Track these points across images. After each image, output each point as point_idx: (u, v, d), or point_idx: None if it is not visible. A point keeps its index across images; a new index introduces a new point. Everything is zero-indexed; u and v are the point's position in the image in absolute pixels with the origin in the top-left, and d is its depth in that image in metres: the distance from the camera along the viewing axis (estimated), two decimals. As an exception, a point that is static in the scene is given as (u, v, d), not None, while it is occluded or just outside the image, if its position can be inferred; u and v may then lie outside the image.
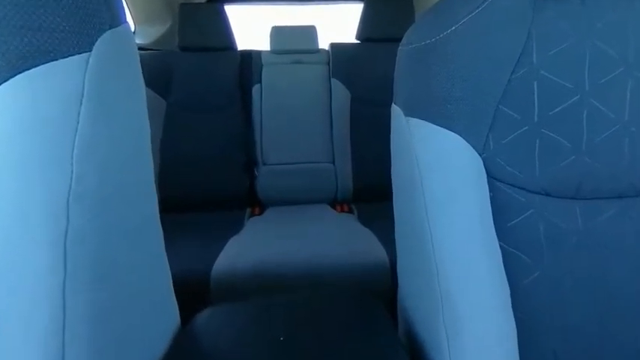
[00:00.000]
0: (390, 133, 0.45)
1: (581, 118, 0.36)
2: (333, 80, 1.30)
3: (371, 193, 1.23)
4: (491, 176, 0.37)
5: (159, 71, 1.26)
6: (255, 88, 1.31)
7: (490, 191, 0.37)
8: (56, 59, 0.27)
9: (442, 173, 0.37)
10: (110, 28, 0.31)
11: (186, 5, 1.30)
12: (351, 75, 1.29)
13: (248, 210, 1.25)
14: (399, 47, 0.43)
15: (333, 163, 1.30)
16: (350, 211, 1.25)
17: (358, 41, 1.36)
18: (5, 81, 0.26)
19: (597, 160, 0.37)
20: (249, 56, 1.35)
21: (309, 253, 0.88)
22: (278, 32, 1.35)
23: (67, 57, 0.27)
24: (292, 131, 1.31)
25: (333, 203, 1.30)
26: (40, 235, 0.26)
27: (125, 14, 0.34)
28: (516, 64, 0.36)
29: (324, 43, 1.40)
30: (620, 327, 0.37)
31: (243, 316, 0.46)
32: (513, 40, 0.36)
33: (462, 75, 0.36)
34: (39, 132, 0.26)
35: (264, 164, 1.30)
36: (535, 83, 0.36)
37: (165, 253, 0.41)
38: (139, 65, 0.36)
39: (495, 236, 0.37)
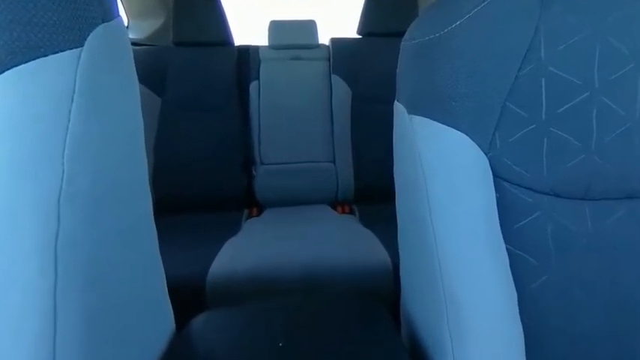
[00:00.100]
0: (392, 132, 0.45)
1: (591, 115, 0.36)
2: (333, 77, 1.30)
3: (372, 194, 1.23)
4: (497, 176, 0.37)
5: (153, 67, 1.26)
6: (253, 85, 1.32)
7: (496, 192, 0.37)
8: (46, 55, 0.27)
9: (446, 173, 0.37)
10: (102, 23, 0.31)
11: (181, -2, 1.30)
12: (353, 71, 1.29)
13: (245, 211, 1.25)
14: (402, 42, 0.43)
15: (334, 162, 1.30)
16: (351, 212, 1.25)
17: (360, 36, 1.36)
18: (-6, 77, 0.26)
19: (607, 160, 0.37)
20: (247, 52, 1.35)
21: (308, 256, 0.88)
22: (276, 27, 1.35)
23: (57, 52, 0.27)
24: (291, 129, 1.31)
25: (334, 204, 1.30)
26: (29, 237, 0.26)
27: (118, 8, 0.34)
28: (523, 59, 0.36)
29: (324, 38, 1.40)
30: (631, 333, 0.37)
31: (241, 320, 0.46)
32: (520, 34, 0.36)
33: (467, 71, 0.36)
34: (28, 130, 0.26)
35: (262, 164, 1.30)
36: (543, 80, 0.36)
37: (159, 256, 0.41)
38: (133, 61, 0.36)
39: (502, 238, 0.37)
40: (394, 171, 0.46)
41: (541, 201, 0.37)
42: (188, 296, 0.74)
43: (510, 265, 0.37)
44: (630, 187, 0.37)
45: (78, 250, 0.28)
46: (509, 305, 0.36)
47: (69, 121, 0.27)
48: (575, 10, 0.36)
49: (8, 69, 0.26)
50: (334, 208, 1.27)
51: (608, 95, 0.36)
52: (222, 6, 1.32)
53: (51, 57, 0.27)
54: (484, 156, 0.37)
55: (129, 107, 0.36)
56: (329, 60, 1.35)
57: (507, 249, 0.37)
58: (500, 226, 0.37)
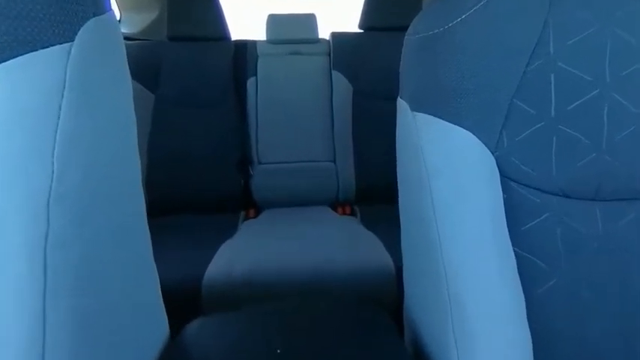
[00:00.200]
0: (395, 130, 0.45)
1: (602, 113, 0.36)
2: (334, 72, 1.30)
3: (375, 194, 1.23)
4: (504, 176, 0.37)
5: (146, 63, 1.26)
6: (250, 81, 1.32)
7: (503, 192, 0.37)
8: (36, 49, 0.27)
9: (451, 173, 0.37)
10: (94, 17, 0.31)
11: (176, -9, 1.30)
12: (354, 67, 1.29)
13: (242, 212, 1.25)
14: (405, 37, 0.43)
15: (334, 161, 1.30)
16: (352, 214, 1.25)
17: (361, 30, 1.36)
18: (-19, 73, 0.26)
19: (618, 159, 0.37)
20: (244, 47, 1.35)
21: (308, 259, 0.88)
22: (275, 21, 1.35)
23: (47, 47, 0.27)
24: (290, 127, 1.31)
25: (334, 205, 1.30)
26: (18, 238, 0.26)
27: (110, 1, 0.34)
28: (531, 54, 0.36)
29: (324, 33, 1.40)
30: (643, 338, 0.37)
31: (237, 326, 0.46)
32: (528, 28, 0.36)
33: (473, 67, 0.36)
34: (17, 127, 0.26)
35: (260, 163, 1.30)
36: (552, 75, 0.36)
37: (153, 259, 0.41)
38: (125, 56, 0.36)
39: (509, 240, 0.37)
40: (397, 170, 0.46)
41: (550, 202, 0.37)
42: (183, 301, 0.73)
43: (518, 269, 0.37)
44: None
45: (68, 252, 0.28)
46: (516, 309, 0.36)
47: (59, 118, 0.27)
48: (585, 3, 0.36)
49: (-4, 64, 0.26)
50: (335, 209, 1.27)
51: (620, 92, 0.36)
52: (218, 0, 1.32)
53: (40, 52, 0.27)
54: (490, 155, 0.37)
55: (121, 104, 0.36)
56: (329, 55, 1.35)
57: (515, 251, 0.37)
58: (508, 227, 0.37)
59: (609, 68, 0.36)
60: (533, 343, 0.36)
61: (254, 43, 1.37)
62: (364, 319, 0.46)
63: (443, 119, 0.37)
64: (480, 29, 0.36)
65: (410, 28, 0.43)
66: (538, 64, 0.36)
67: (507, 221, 0.37)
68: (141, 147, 0.39)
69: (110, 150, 0.33)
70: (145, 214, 0.39)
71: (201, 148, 1.23)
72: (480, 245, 0.36)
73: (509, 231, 0.37)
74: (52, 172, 0.27)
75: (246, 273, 0.84)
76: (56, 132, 0.27)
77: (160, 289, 0.42)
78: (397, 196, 0.47)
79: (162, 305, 0.42)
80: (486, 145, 0.37)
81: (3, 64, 0.26)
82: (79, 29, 0.29)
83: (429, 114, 0.38)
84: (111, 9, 0.34)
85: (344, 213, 1.25)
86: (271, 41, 1.36)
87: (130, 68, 0.37)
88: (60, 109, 0.27)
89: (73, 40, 0.28)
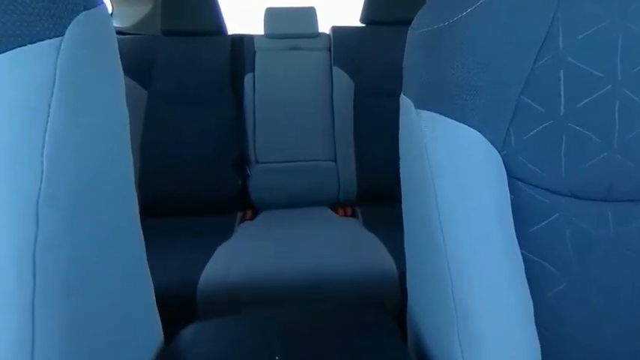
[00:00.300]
0: (398, 128, 0.45)
1: (613, 110, 0.36)
2: (334, 68, 1.30)
3: (377, 195, 1.23)
4: (511, 176, 0.37)
5: (139, 58, 1.26)
6: (248, 77, 1.32)
7: (510, 192, 0.37)
8: (24, 44, 0.27)
9: (456, 172, 0.37)
10: (84, 10, 0.31)
11: (170, -16, 1.30)
12: (355, 62, 1.29)
13: (239, 214, 1.25)
14: (409, 31, 0.43)
15: (335, 161, 1.30)
16: (353, 215, 1.25)
17: (363, 24, 1.36)
18: (-33, 69, 0.26)
19: (630, 158, 0.37)
20: (241, 41, 1.35)
21: (307, 262, 0.88)
22: (273, 14, 1.35)
23: (36, 42, 0.27)
24: (289, 125, 1.31)
25: (335, 206, 1.30)
26: (6, 241, 0.26)
27: (101, -6, 0.34)
28: (540, 49, 0.36)
29: (324, 27, 1.40)
30: (656, 345, 0.37)
31: (234, 331, 0.46)
32: (536, 23, 0.36)
33: (479, 62, 0.36)
34: (5, 126, 0.26)
35: (258, 162, 1.30)
36: (561, 71, 0.36)
37: (146, 263, 0.41)
38: (117, 51, 0.36)
39: (517, 243, 0.37)
40: (400, 170, 0.46)
41: (559, 203, 0.37)
42: (177, 306, 0.73)
43: (526, 272, 0.37)
44: None
45: (58, 255, 0.28)
46: (524, 314, 0.36)
47: (48, 115, 0.27)
48: None
49: (-17, 60, 0.26)
50: (335, 210, 1.27)
51: (632, 88, 0.36)
52: None
53: (29, 47, 0.27)
54: (497, 154, 0.37)
55: (113, 101, 0.36)
56: (330, 50, 1.35)
57: (523, 254, 0.37)
58: (515, 229, 0.37)
59: (621, 64, 0.36)
60: (541, 348, 0.36)
61: (251, 37, 1.37)
62: (366, 323, 0.46)
63: (448, 117, 0.37)
64: (487, 23, 0.36)
65: (414, 21, 0.43)
66: (547, 60, 0.36)
67: (515, 223, 0.37)
68: (134, 145, 0.39)
69: (102, 149, 0.33)
70: (137, 215, 0.39)
71: (196, 147, 1.23)
72: (486, 247, 0.36)
73: (516, 233, 0.37)
74: (42, 172, 0.27)
75: (243, 277, 0.84)
76: (45, 130, 0.27)
77: (153, 294, 0.42)
78: (400, 197, 0.47)
79: (156, 310, 0.42)
80: (493, 144, 0.37)
81: (-10, 59, 0.26)
82: (69, 23, 0.29)
83: (434, 111, 0.38)
84: (102, 2, 0.34)
85: (345, 214, 1.26)
86: (269, 36, 1.36)
87: (122, 64, 0.37)
88: (49, 106, 0.27)
89: (63, 35, 0.28)
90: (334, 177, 1.29)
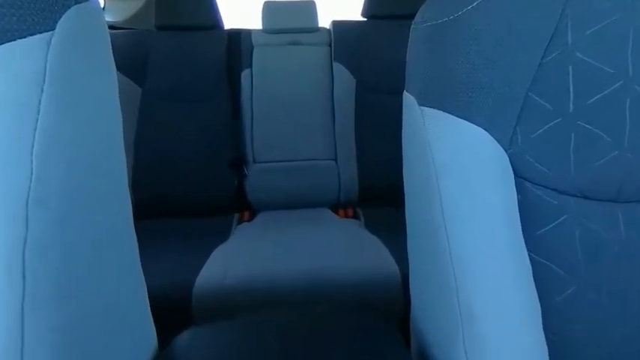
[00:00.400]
0: (401, 126, 0.45)
1: (624, 107, 0.36)
2: (335, 64, 1.31)
3: (379, 195, 1.23)
4: (518, 175, 0.37)
5: (132, 53, 1.26)
6: (245, 74, 1.32)
7: (517, 193, 0.37)
8: (13, 39, 0.27)
9: (461, 171, 0.37)
10: (76, 4, 0.31)
11: (165, -24, 1.30)
12: (357, 58, 1.29)
13: (236, 215, 1.25)
14: (412, 25, 0.43)
15: (335, 160, 1.30)
16: (355, 216, 1.25)
17: (364, 18, 1.36)
18: (-46, 65, 0.26)
19: (642, 157, 0.37)
20: (238, 36, 1.35)
21: (307, 265, 0.88)
22: (271, 8, 1.36)
23: (25, 37, 0.27)
24: (288, 123, 1.31)
25: (335, 207, 1.30)
26: (-6, 243, 0.26)
27: (93, -13, 0.34)
28: (548, 45, 0.36)
29: (325, 21, 1.40)
30: (668, 350, 0.37)
31: (231, 336, 0.46)
32: (544, 17, 0.36)
33: (485, 58, 0.36)
34: (-7, 124, 0.26)
35: (255, 162, 1.30)
36: (570, 67, 0.36)
37: (140, 266, 0.41)
38: (110, 46, 0.36)
39: (524, 245, 0.37)
40: (403, 170, 0.46)
41: (568, 203, 0.37)
42: (172, 310, 0.74)
43: (534, 275, 0.37)
44: None
45: (48, 257, 0.28)
46: (531, 318, 0.36)
47: (38, 113, 0.27)
48: None
49: (-30, 55, 0.26)
50: (336, 211, 1.27)
51: None
52: None
53: (18, 42, 0.27)
54: (504, 153, 0.37)
55: (105, 98, 0.36)
56: (330, 45, 1.35)
57: (530, 257, 0.37)
58: (523, 231, 0.37)
59: (632, 59, 0.36)
60: (550, 354, 0.36)
61: (249, 32, 1.37)
62: (368, 328, 0.46)
63: (452, 114, 0.37)
64: (492, 17, 0.36)
65: (417, 15, 0.43)
66: (555, 55, 0.36)
67: (522, 224, 0.37)
68: (127, 144, 0.39)
69: (94, 148, 0.33)
70: (131, 217, 0.39)
71: (191, 146, 1.24)
72: (492, 249, 0.36)
73: (523, 235, 0.37)
74: (31, 171, 0.27)
75: (240, 280, 0.84)
76: (35, 128, 0.27)
77: (147, 298, 0.42)
78: (403, 198, 0.47)
79: (150, 315, 0.42)
80: (499, 142, 0.37)
81: (-22, 55, 0.26)
82: (60, 17, 0.29)
83: (438, 109, 0.38)
84: (94, -4, 0.34)
85: (346, 216, 1.26)
86: (267, 30, 1.36)
87: (115, 59, 0.37)
88: (39, 103, 0.27)
89: (53, 29, 0.28)
90: (335, 177, 1.29)
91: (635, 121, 0.37)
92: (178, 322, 0.50)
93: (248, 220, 1.21)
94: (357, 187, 1.28)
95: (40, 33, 0.28)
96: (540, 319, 0.36)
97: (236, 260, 0.91)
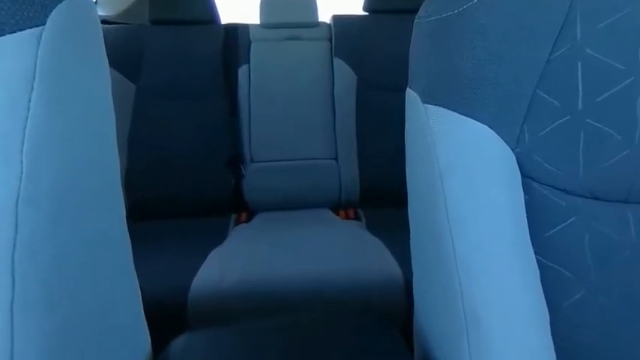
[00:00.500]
0: (404, 124, 0.45)
1: (635, 105, 0.36)
2: (335, 60, 1.31)
3: (381, 196, 1.23)
4: (525, 175, 0.37)
5: (126, 49, 1.26)
6: (242, 70, 1.32)
7: (524, 193, 0.37)
8: (2, 35, 0.27)
9: (466, 171, 0.37)
10: (67, -3, 0.31)
11: (159, -31, 1.30)
12: (358, 53, 1.29)
13: (233, 216, 1.25)
14: (416, 20, 0.43)
15: (336, 159, 1.30)
16: (356, 218, 1.25)
17: (366, 13, 1.36)
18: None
19: (653, 157, 0.37)
20: (235, 31, 1.35)
21: (307, 268, 0.88)
22: (269, 2, 1.36)
23: (15, 32, 0.27)
24: (286, 121, 1.31)
25: (336, 208, 1.30)
26: (-17, 245, 0.26)
27: (85, -20, 0.34)
28: (556, 40, 0.36)
29: (325, 15, 1.40)
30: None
31: (227, 342, 0.46)
32: (552, 11, 0.36)
33: (491, 53, 0.36)
34: (-18, 122, 0.26)
35: (253, 161, 1.31)
36: (579, 63, 0.36)
37: (133, 269, 0.41)
38: (102, 42, 0.36)
39: (531, 248, 0.37)
40: (406, 169, 0.46)
41: (577, 205, 0.37)
42: (167, 315, 0.74)
43: (541, 279, 0.37)
44: None
45: (38, 260, 0.28)
46: (539, 322, 0.36)
47: (28, 111, 0.27)
48: None
49: (-42, 51, 0.26)
50: (336, 212, 1.27)
51: None
52: None
53: (7, 37, 0.27)
54: (510, 152, 0.37)
55: (98, 95, 0.36)
56: (330, 40, 1.35)
57: (538, 260, 0.37)
58: (530, 233, 0.37)
59: None
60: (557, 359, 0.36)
61: (246, 27, 1.37)
62: (370, 334, 0.46)
63: (457, 112, 0.37)
64: (499, 11, 0.36)
65: (421, 10, 0.43)
66: (564, 51, 0.36)
67: (529, 226, 0.37)
68: (120, 143, 0.39)
69: (86, 147, 0.33)
70: (124, 218, 0.39)
71: (187, 145, 1.24)
72: (497, 251, 0.36)
73: (531, 237, 0.37)
74: (21, 170, 0.27)
75: (237, 284, 0.84)
76: (25, 126, 0.27)
77: (141, 302, 0.42)
78: (406, 198, 0.47)
79: (144, 320, 0.42)
80: (506, 141, 0.37)
81: (-34, 50, 0.26)
82: (50, 12, 0.29)
83: (442, 106, 0.38)
84: (86, -11, 0.34)
85: (347, 217, 1.26)
86: (266, 25, 1.36)
87: (108, 55, 0.37)
88: (29, 101, 0.27)
89: (44, 24, 0.28)
90: (335, 177, 1.29)
91: (646, 119, 0.37)
92: (173, 327, 0.50)
93: (245, 222, 1.21)
94: (359, 187, 1.28)
95: (30, 28, 0.28)
96: (548, 323, 0.36)
97: (233, 263, 0.91)
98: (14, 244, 0.27)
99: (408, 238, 0.49)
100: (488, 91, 0.36)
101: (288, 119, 1.31)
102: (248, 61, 1.33)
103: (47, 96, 0.29)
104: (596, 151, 0.37)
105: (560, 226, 0.37)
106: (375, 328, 0.47)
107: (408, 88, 0.44)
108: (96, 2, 1.48)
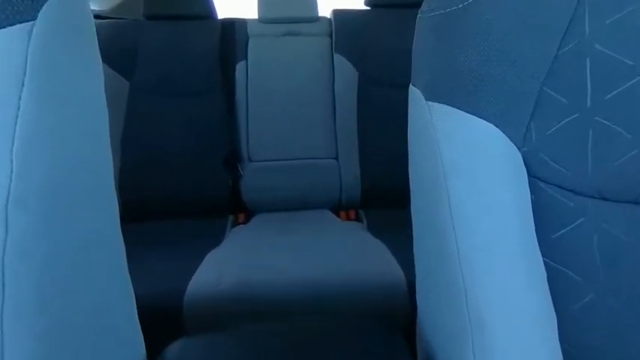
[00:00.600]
0: (406, 122, 0.45)
1: (645, 102, 0.36)
2: (336, 56, 1.31)
3: (383, 196, 1.23)
4: (532, 175, 0.37)
5: (120, 45, 1.26)
6: (240, 66, 1.32)
7: (531, 193, 0.37)
8: (-8, 30, 0.27)
9: (471, 171, 0.37)
10: (59, -9, 0.31)
11: (154, -37, 1.30)
12: (359, 49, 1.29)
13: (230, 217, 1.25)
14: (419, 15, 0.43)
15: (337, 159, 1.30)
16: (357, 219, 1.25)
17: (367, 7, 1.36)
18: None
19: (664, 156, 0.37)
20: (232, 26, 1.35)
21: (306, 271, 0.88)
22: (268, -4, 1.36)
23: (4, 27, 0.27)
24: (285, 119, 1.31)
25: (337, 208, 1.30)
26: (-28, 247, 0.26)
27: (78, -27, 0.34)
28: (564, 35, 0.36)
29: (325, 10, 1.40)
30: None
31: (224, 348, 0.46)
32: (560, 5, 0.36)
33: (496, 49, 0.36)
34: (-29, 120, 0.26)
35: (251, 160, 1.31)
36: (587, 59, 0.36)
37: (127, 272, 0.41)
38: (95, 37, 0.36)
39: (538, 250, 0.37)
40: (409, 168, 0.46)
41: (585, 205, 0.37)
42: (162, 319, 0.74)
43: (549, 282, 0.37)
44: None
45: (29, 263, 0.28)
46: (546, 325, 0.36)
47: (18, 109, 0.27)
48: None
49: (-54, 47, 0.26)
50: (337, 213, 1.27)
51: None
52: None
53: (-3, 32, 0.27)
54: (517, 151, 0.37)
55: (91, 92, 0.36)
56: (331, 36, 1.35)
57: (545, 262, 0.37)
58: (537, 235, 0.37)
59: None
60: (565, 366, 0.36)
61: (244, 22, 1.37)
62: (372, 337, 0.46)
63: (462, 110, 0.37)
64: (505, 6, 0.36)
65: (424, 4, 0.43)
66: (572, 47, 0.36)
67: (536, 227, 0.37)
68: (114, 142, 0.39)
69: (78, 146, 0.33)
70: (118, 219, 0.39)
71: (183, 143, 1.24)
72: (503, 252, 0.36)
73: (537, 238, 0.37)
74: (11, 170, 0.27)
75: (234, 287, 0.84)
76: (15, 125, 0.27)
77: (135, 306, 0.42)
78: (409, 199, 0.47)
79: (138, 324, 0.42)
80: (512, 140, 0.37)
81: (-46, 46, 0.26)
82: (41, 6, 0.29)
83: (446, 104, 0.38)
84: (79, -18, 0.34)
85: (347, 218, 1.26)
86: (264, 20, 1.36)
87: (101, 51, 0.37)
88: (20, 98, 0.27)
89: (35, 19, 0.28)
90: (336, 176, 1.29)
91: (657, 117, 0.37)
92: (169, 331, 0.50)
93: (243, 223, 1.21)
94: (360, 188, 1.28)
95: (21, 23, 0.28)
96: (555, 326, 0.36)
97: (230, 266, 0.91)
98: (4, 246, 0.27)
99: (411, 240, 0.49)
100: (493, 89, 0.36)
101: (287, 117, 1.31)
102: (246, 58, 1.33)
103: (38, 93, 0.29)
104: (605, 151, 0.37)
105: (568, 228, 0.37)
106: (376, 332, 0.47)
107: (410, 85, 0.44)
108: (89, -4, 1.48)
